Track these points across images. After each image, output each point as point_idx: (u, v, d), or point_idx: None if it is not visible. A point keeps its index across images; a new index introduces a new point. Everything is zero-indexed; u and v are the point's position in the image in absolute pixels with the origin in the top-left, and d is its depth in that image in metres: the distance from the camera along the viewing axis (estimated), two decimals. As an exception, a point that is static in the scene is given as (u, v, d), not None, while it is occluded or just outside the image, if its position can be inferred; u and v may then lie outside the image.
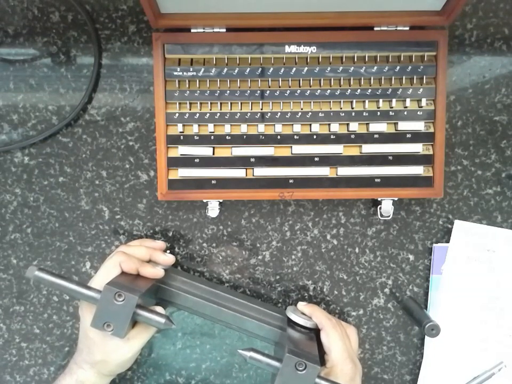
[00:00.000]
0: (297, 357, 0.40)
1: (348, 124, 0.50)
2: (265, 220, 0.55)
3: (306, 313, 0.50)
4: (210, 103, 0.50)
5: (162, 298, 0.49)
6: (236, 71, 0.49)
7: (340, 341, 0.46)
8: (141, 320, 0.43)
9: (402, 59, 0.50)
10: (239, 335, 0.56)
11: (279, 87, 0.50)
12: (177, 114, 0.50)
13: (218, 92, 0.50)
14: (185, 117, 0.50)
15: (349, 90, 0.50)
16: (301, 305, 0.51)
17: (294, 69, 0.50)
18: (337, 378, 0.44)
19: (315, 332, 0.49)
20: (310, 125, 0.50)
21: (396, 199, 0.52)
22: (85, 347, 0.45)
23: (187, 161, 0.51)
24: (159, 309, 0.44)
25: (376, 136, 0.50)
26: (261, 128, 0.50)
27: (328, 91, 0.50)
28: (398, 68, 0.50)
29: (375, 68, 0.50)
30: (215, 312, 0.49)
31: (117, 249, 0.49)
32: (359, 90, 0.50)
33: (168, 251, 0.53)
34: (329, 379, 0.42)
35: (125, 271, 0.45)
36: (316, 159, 0.51)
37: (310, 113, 0.50)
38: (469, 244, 0.54)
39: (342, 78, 0.50)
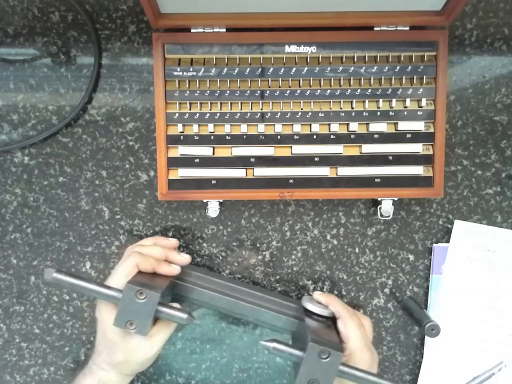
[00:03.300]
0: (321, 345, 0.40)
1: (347, 124, 0.50)
2: (265, 220, 0.56)
3: (322, 302, 0.50)
4: (210, 103, 0.50)
5: (178, 294, 0.49)
6: (236, 71, 0.49)
7: (357, 330, 0.46)
8: (163, 317, 0.43)
9: (402, 59, 0.50)
10: (239, 335, 0.56)
11: (279, 87, 0.50)
12: (177, 114, 0.50)
13: (218, 91, 0.50)
14: (185, 117, 0.50)
15: (349, 90, 0.50)
16: (317, 294, 0.51)
17: (294, 69, 0.50)
18: (356, 366, 0.44)
19: (331, 321, 0.49)
20: (310, 125, 0.50)
21: (395, 199, 0.52)
22: (105, 348, 0.45)
23: (187, 161, 0.51)
24: (175, 305, 0.44)
25: (376, 136, 0.50)
26: (261, 128, 0.50)
27: (328, 91, 0.50)
28: (398, 67, 0.50)
29: (375, 68, 0.50)
30: (232, 305, 0.49)
31: (131, 248, 0.49)
32: (359, 90, 0.50)
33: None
34: (352, 366, 0.42)
35: (142, 270, 0.45)
36: (316, 159, 0.51)
37: (310, 113, 0.50)
38: (469, 243, 0.54)
39: (342, 78, 0.50)
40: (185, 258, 0.49)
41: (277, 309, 0.50)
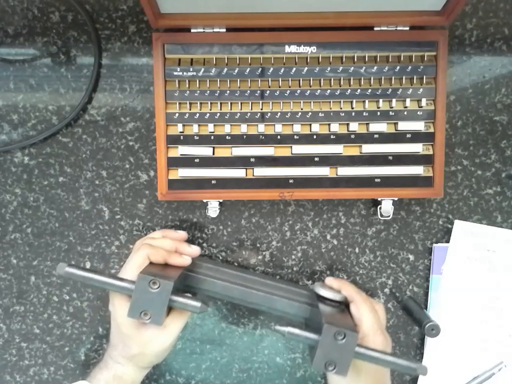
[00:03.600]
0: (336, 327, 0.40)
1: (347, 124, 0.50)
2: (265, 220, 0.55)
3: (335, 287, 0.50)
4: (210, 103, 0.50)
5: (190, 286, 0.50)
6: (236, 71, 0.49)
7: (370, 313, 0.46)
8: (177, 306, 0.43)
9: (402, 59, 0.50)
10: (239, 335, 0.56)
11: (279, 87, 0.50)
12: (177, 114, 0.50)
13: (218, 91, 0.50)
14: (185, 117, 0.50)
15: (349, 90, 0.50)
16: (329, 280, 0.51)
17: (294, 69, 0.50)
18: None
19: (344, 305, 0.49)
20: (310, 125, 0.50)
21: (395, 199, 0.52)
22: (120, 342, 0.45)
23: (187, 161, 0.51)
24: (188, 295, 0.44)
25: (376, 136, 0.50)
26: (261, 128, 0.50)
27: (328, 91, 0.50)
28: (398, 67, 0.50)
29: (375, 67, 0.50)
30: (244, 294, 0.49)
31: (141, 241, 0.49)
32: (359, 90, 0.50)
33: None
34: (368, 347, 0.42)
35: (153, 262, 0.45)
36: (316, 159, 0.51)
37: (310, 113, 0.50)
38: (469, 243, 0.54)
39: (342, 78, 0.50)
40: (195, 249, 0.49)
41: (289, 296, 0.50)
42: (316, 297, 0.49)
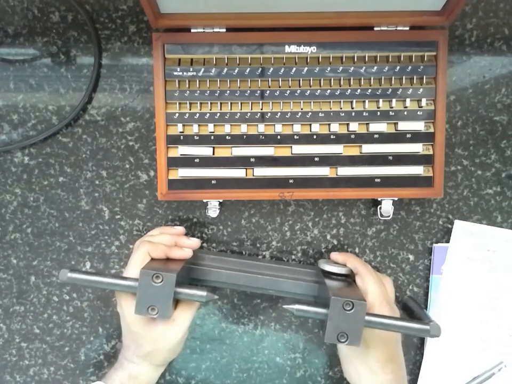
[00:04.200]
0: (343, 298, 0.40)
1: (347, 124, 0.50)
2: (265, 220, 0.55)
3: (340, 261, 0.50)
4: (210, 103, 0.50)
5: (195, 279, 0.50)
6: (236, 71, 0.49)
7: (375, 284, 0.46)
8: (182, 298, 0.43)
9: (402, 59, 0.50)
10: (239, 335, 0.56)
11: (279, 87, 0.50)
12: (177, 114, 0.50)
13: (218, 91, 0.50)
14: (185, 117, 0.50)
15: (349, 90, 0.50)
16: (334, 254, 0.51)
17: (294, 69, 0.50)
18: None
19: (351, 279, 0.49)
20: (310, 125, 0.50)
21: (395, 199, 0.52)
22: (132, 342, 0.45)
23: (187, 161, 0.51)
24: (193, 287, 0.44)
25: (376, 136, 0.50)
26: (261, 128, 0.50)
27: (328, 91, 0.50)
28: (398, 67, 0.50)
29: (375, 67, 0.50)
30: (251, 280, 0.49)
31: (141, 239, 0.49)
32: (359, 90, 0.50)
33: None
34: (378, 314, 0.41)
35: (154, 257, 0.45)
36: (316, 159, 0.51)
37: (310, 113, 0.50)
38: (469, 243, 0.54)
39: (342, 78, 0.50)
40: (194, 242, 0.49)
41: (295, 276, 0.50)
42: (322, 274, 0.49)
